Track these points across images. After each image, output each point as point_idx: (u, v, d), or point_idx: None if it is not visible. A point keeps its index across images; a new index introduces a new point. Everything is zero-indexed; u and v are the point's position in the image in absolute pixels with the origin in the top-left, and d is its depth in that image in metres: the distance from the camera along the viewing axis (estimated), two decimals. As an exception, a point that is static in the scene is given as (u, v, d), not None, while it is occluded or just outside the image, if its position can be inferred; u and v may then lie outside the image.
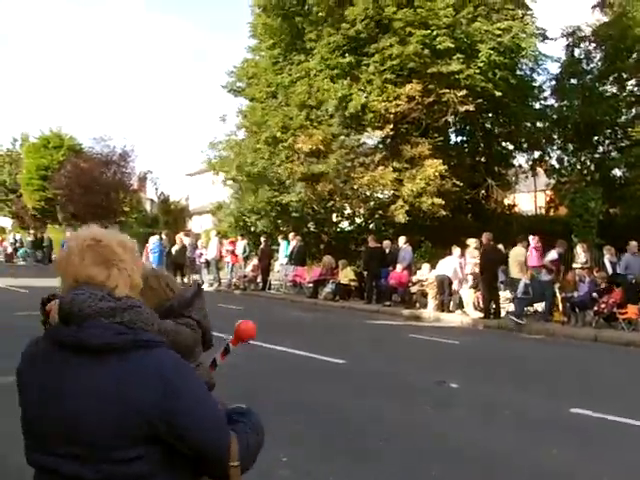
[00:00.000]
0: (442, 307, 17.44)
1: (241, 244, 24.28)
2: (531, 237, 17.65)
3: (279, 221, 26.23)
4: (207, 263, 24.66)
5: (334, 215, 26.02)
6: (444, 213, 22.69)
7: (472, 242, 17.50)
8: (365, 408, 7.28)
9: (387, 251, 19.99)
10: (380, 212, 24.41)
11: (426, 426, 6.78)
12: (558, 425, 6.90)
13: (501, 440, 6.34)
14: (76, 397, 1.71)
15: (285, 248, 23.48)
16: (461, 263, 17.51)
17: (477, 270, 16.86)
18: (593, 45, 26.45)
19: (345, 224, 27.01)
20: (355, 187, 23.44)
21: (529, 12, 25.39)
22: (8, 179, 55.03)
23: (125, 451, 1.69)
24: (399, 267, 19.01)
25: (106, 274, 1.82)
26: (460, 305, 17.42)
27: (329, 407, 7.20)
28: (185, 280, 24.27)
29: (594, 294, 15.11)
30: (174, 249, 24.57)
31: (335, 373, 9.21)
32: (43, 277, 27.59)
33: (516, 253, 16.48)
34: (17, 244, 44.08)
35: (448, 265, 17.56)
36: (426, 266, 18.83)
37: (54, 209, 45.10)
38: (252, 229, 26.65)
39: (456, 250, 17.66)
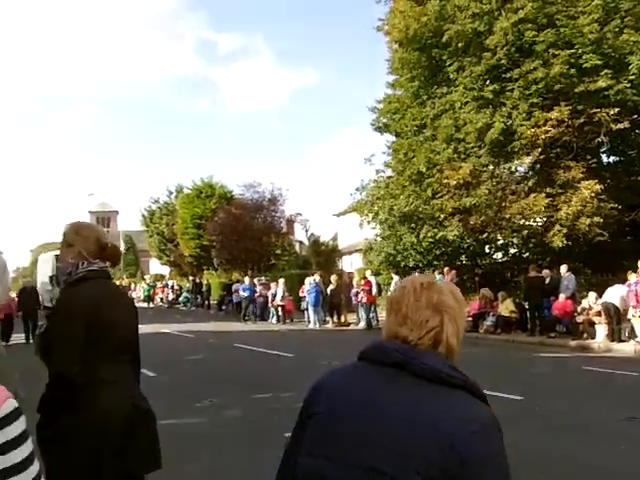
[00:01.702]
0: (612, 336, 16.66)
1: (372, 282, 24.31)
2: None
3: (430, 257, 26.00)
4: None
5: (487, 247, 25.55)
6: (602, 238, 21.71)
7: None
8: (553, 447, 7.02)
9: (547, 280, 19.39)
10: (534, 240, 23.72)
11: (622, 467, 6.40)
12: None
13: None
14: (395, 419, 1.69)
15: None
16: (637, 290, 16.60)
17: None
18: None
19: (499, 255, 26.43)
20: (507, 216, 22.94)
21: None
22: (166, 230, 57.96)
23: None
24: (562, 296, 18.37)
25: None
26: (632, 334, 16.57)
27: (513, 447, 6.98)
28: (342, 319, 24.58)
29: None
30: (329, 289, 24.95)
31: (514, 410, 8.96)
32: (204, 322, 28.87)
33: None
34: (177, 290, 46.29)
35: (615, 292, 16.80)
36: (592, 294, 18.03)
37: (209, 255, 46.96)
38: (403, 265, 26.58)
39: (632, 276, 16.77)
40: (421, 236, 24.99)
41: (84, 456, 2.95)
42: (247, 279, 30.59)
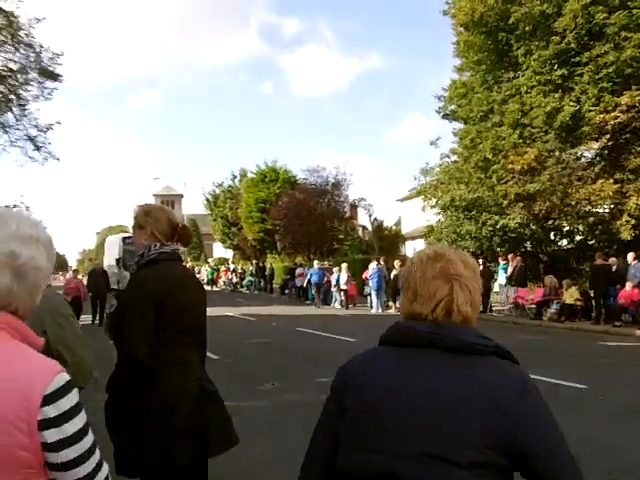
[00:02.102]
0: (681, 326, 16.38)
1: None
2: None
3: (490, 244, 25.77)
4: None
5: (552, 233, 25.22)
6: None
7: None
8: (613, 437, 7.03)
9: (614, 268, 19.10)
10: (601, 228, 23.31)
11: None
12: None
13: None
14: (437, 398, 1.70)
15: (504, 269, 23.16)
16: None
17: None
18: None
19: (564, 242, 26.08)
20: (573, 203, 22.59)
21: None
22: (229, 213, 58.58)
23: (477, 457, 1.64)
24: (629, 285, 18.09)
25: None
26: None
27: (574, 434, 6.99)
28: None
29: None
30: (392, 274, 25.03)
31: (578, 399, 8.97)
32: (267, 305, 29.20)
33: None
34: (240, 274, 46.81)
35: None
36: (660, 283, 17.75)
37: (272, 239, 47.36)
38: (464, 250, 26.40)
39: None
40: (480, 224, 24.84)
41: (154, 437, 3.01)
42: (316, 263, 30.74)
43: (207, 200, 63.32)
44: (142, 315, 3.06)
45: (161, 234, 3.28)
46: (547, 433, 1.69)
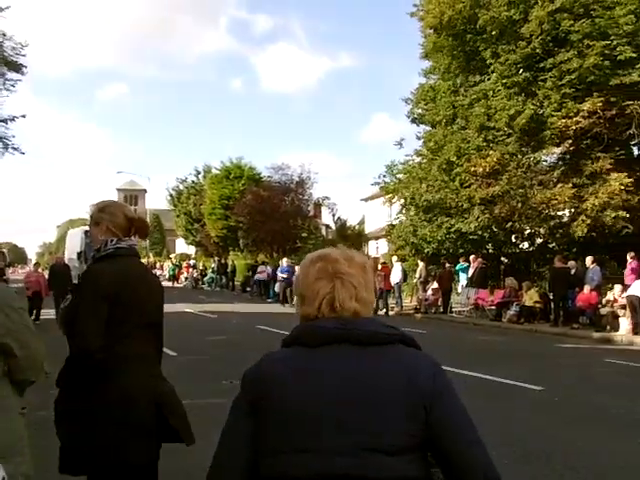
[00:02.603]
0: (636, 330, 16.66)
1: (398, 268, 24.46)
2: None
3: (451, 246, 25.98)
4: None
5: (513, 236, 25.54)
6: (628, 230, 21.62)
7: None
8: (567, 437, 7.10)
9: (573, 272, 19.40)
10: (560, 231, 23.67)
11: (636, 460, 6.45)
12: None
13: None
14: (354, 392, 1.73)
15: (462, 270, 23.41)
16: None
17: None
18: None
19: (525, 244, 26.43)
20: (533, 206, 22.90)
21: None
22: (193, 210, 58.19)
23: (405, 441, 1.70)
24: (587, 288, 18.38)
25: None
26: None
27: (528, 435, 7.06)
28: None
29: None
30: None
31: (533, 400, 9.09)
32: (229, 302, 29.07)
33: None
34: (202, 270, 46.59)
35: (640, 285, 16.80)
36: (618, 287, 18.02)
37: (235, 236, 47.19)
38: (427, 252, 26.59)
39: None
40: (435, 227, 25.08)
41: (108, 433, 2.96)
42: (285, 260, 30.42)
43: (170, 195, 62.86)
44: (94, 308, 3.02)
45: (117, 228, 3.26)
46: (458, 413, 1.77)
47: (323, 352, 1.80)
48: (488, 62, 24.93)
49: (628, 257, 18.96)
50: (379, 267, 24.87)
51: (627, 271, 18.74)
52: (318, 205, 45.14)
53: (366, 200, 51.39)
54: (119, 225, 3.27)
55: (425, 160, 27.51)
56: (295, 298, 2.02)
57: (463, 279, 23.52)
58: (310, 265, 1.91)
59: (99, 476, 3.04)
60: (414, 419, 1.71)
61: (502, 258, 25.83)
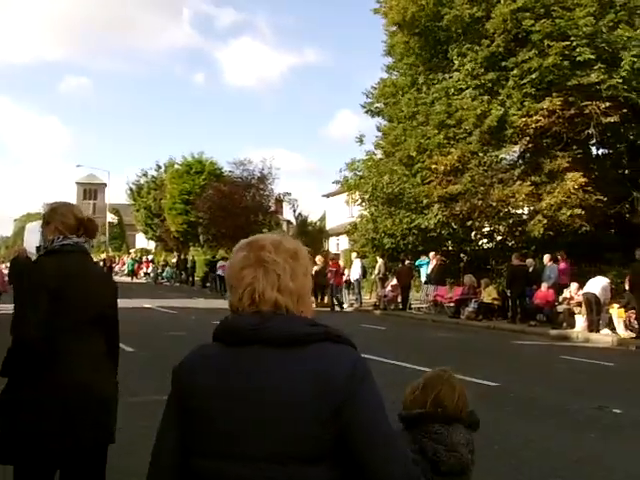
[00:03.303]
0: (591, 327, 16.86)
1: (357, 264, 24.48)
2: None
3: (412, 241, 26.09)
4: (348, 283, 25.02)
5: (472, 233, 25.70)
6: (586, 228, 21.91)
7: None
8: (522, 433, 7.15)
9: (531, 269, 19.57)
10: (519, 229, 23.90)
11: (588, 454, 6.53)
12: None
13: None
14: (270, 397, 1.65)
15: (425, 267, 23.49)
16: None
17: None
18: None
19: (484, 242, 26.63)
20: (493, 204, 23.08)
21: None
22: (153, 204, 57.63)
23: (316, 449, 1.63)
24: (544, 285, 18.57)
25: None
26: (610, 325, 16.76)
27: (484, 431, 7.06)
28: (325, 300, 24.72)
29: None
30: (314, 270, 25.04)
31: (490, 397, 9.10)
32: (188, 298, 28.86)
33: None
34: (163, 265, 46.27)
35: (597, 283, 16.99)
36: (574, 284, 18.22)
37: (195, 232, 46.89)
38: (387, 248, 26.67)
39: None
40: (396, 221, 25.16)
41: (31, 423, 3.01)
42: None
43: (130, 190, 62.14)
44: (34, 299, 3.08)
45: (66, 228, 3.35)
46: (370, 415, 1.67)
47: (237, 353, 1.72)
48: (454, 60, 25.03)
49: (558, 257, 19.24)
50: (339, 263, 24.90)
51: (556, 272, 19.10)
52: (279, 201, 44.98)
53: (328, 196, 51.38)
54: (68, 225, 3.37)
55: (385, 153, 27.58)
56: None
57: (424, 275, 23.59)
58: (237, 252, 1.81)
59: (27, 465, 3.07)
60: (328, 423, 1.62)
61: (462, 255, 25.97)
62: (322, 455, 1.62)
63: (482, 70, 24.05)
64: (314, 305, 24.20)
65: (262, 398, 1.65)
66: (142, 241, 74.06)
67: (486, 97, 23.49)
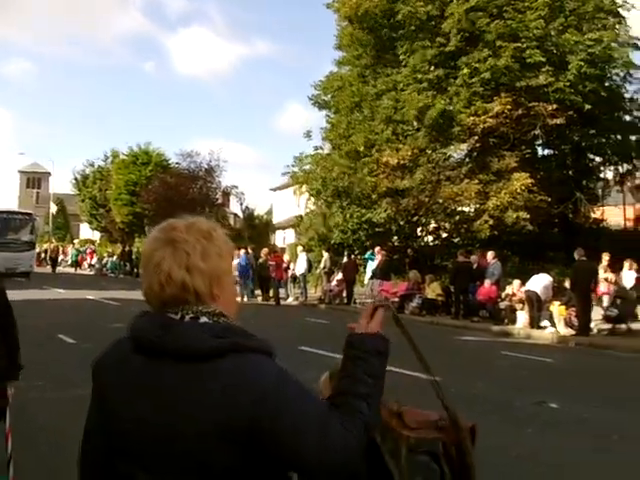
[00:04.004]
0: (532, 323, 17.04)
1: (302, 258, 24.31)
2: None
3: (362, 236, 26.17)
4: (294, 278, 24.88)
5: (419, 229, 25.82)
6: (531, 228, 22.22)
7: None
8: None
9: (475, 266, 19.72)
10: (465, 226, 24.11)
11: (526, 449, 6.54)
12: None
13: (619, 469, 6.02)
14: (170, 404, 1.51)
15: (369, 259, 23.50)
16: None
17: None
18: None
19: (430, 238, 26.80)
20: (440, 201, 23.22)
21: (622, 20, 24.70)
22: (98, 194, 56.81)
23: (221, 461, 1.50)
24: (487, 282, 18.72)
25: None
26: (551, 321, 16.97)
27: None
28: (270, 294, 24.53)
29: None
30: (259, 263, 24.86)
31: (431, 392, 9.04)
32: (132, 289, 28.36)
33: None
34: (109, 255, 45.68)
35: (539, 281, 17.19)
36: (516, 282, 18.40)
37: (141, 223, 46.29)
38: (333, 242, 26.66)
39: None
40: (347, 216, 25.15)
41: None
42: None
43: (75, 179, 61.05)
44: None
45: None
46: (299, 412, 1.52)
47: (145, 364, 1.56)
48: (401, 57, 25.09)
49: (489, 256, 19.46)
50: (284, 257, 24.73)
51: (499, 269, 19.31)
52: (226, 194, 44.57)
53: (275, 190, 51.33)
54: None
55: (333, 146, 27.58)
56: None
57: (369, 271, 23.57)
58: (150, 239, 1.67)
59: None
60: (237, 447, 1.47)
61: (408, 250, 26.07)
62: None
63: (431, 67, 24.19)
64: (260, 299, 24.17)
65: (168, 417, 1.50)
66: (87, 231, 72.78)
67: (431, 92, 23.59)
